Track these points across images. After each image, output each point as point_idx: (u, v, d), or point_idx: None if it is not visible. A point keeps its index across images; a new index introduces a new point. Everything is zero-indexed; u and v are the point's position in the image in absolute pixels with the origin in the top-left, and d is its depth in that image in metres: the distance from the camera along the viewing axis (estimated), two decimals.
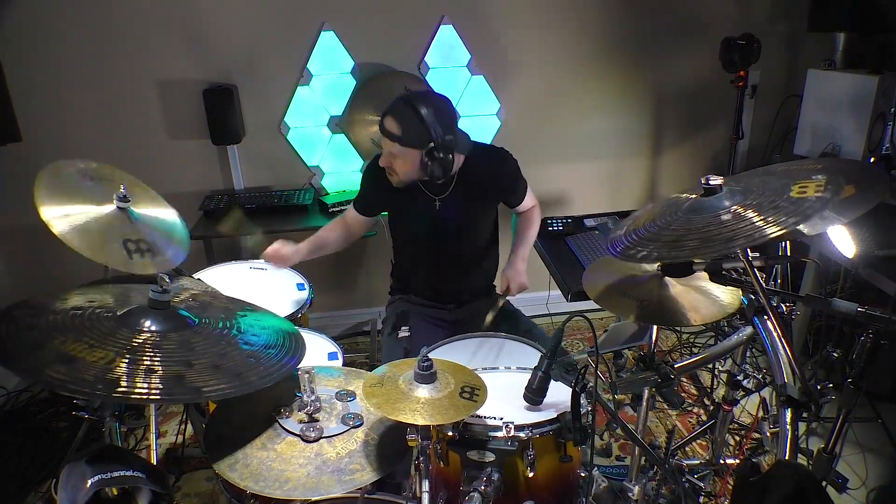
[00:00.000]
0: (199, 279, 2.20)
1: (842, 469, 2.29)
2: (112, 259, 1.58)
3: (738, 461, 2.22)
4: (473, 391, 1.29)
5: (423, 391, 1.29)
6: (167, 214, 1.88)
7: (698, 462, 2.30)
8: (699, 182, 1.36)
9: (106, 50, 2.78)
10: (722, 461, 2.19)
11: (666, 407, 2.80)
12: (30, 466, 2.47)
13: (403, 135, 1.93)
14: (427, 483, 1.29)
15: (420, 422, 1.22)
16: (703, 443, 2.56)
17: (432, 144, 1.92)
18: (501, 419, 1.40)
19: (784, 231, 1.14)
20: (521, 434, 1.37)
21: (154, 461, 1.80)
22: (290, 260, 2.18)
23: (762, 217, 1.20)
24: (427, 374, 1.28)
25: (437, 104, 1.96)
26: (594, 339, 1.31)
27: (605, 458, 2.53)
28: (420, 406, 1.25)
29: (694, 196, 1.40)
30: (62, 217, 1.58)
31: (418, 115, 1.90)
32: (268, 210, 2.91)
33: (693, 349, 3.17)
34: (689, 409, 2.81)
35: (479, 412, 1.44)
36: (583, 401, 1.48)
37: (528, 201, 2.36)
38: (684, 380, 2.97)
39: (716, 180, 1.36)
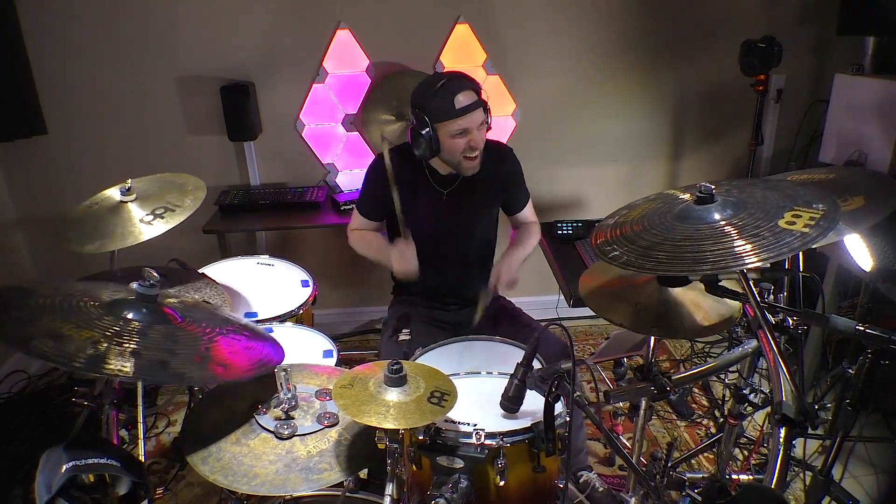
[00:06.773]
0: (202, 273, 2.24)
1: (853, 489, 2.22)
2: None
3: (749, 476, 2.16)
4: (443, 396, 1.28)
5: (391, 394, 1.28)
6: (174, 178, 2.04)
7: (701, 476, 2.24)
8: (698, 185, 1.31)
9: (128, 47, 2.85)
10: (727, 476, 2.12)
11: (675, 417, 2.74)
12: (43, 449, 2.55)
13: (481, 98, 1.97)
14: (391, 486, 1.29)
15: (385, 425, 1.21)
16: (711, 456, 2.49)
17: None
18: (474, 426, 1.39)
19: (755, 266, 1.08)
20: (492, 442, 1.35)
21: (142, 453, 1.85)
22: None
23: (741, 243, 1.13)
24: (396, 378, 1.28)
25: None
26: (570, 347, 1.28)
27: (607, 468, 2.48)
28: (386, 409, 1.24)
29: (689, 199, 1.35)
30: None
31: (472, 80, 1.98)
32: (281, 206, 2.94)
33: (708, 359, 3.09)
34: (699, 420, 2.74)
35: (454, 418, 1.44)
36: (561, 410, 1.45)
37: (530, 215, 2.33)
38: (696, 391, 2.90)
39: (708, 188, 1.31)
